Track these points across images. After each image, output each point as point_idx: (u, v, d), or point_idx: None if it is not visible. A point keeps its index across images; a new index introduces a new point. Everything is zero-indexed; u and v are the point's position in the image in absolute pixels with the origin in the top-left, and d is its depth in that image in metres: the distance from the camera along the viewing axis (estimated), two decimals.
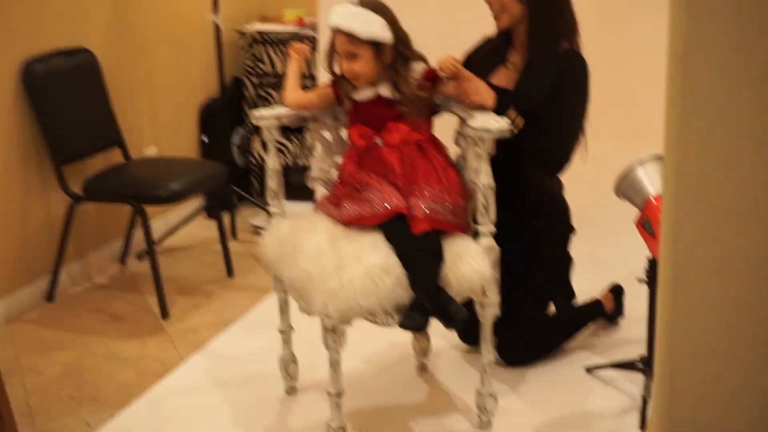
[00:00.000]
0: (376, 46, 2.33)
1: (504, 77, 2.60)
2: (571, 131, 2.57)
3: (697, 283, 0.97)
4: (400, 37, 2.37)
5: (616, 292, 3.01)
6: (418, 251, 2.21)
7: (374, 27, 2.32)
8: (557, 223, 2.79)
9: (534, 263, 2.72)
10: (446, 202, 2.31)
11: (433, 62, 2.42)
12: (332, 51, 2.42)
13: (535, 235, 2.71)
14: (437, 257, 2.22)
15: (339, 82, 2.46)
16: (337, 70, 2.45)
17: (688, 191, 0.98)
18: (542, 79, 2.53)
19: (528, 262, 2.69)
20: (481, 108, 2.39)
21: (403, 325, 2.18)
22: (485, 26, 2.67)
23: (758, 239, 0.99)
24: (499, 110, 2.38)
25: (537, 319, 2.78)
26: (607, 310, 2.96)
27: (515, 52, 2.63)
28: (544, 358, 2.80)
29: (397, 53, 2.37)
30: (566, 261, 2.85)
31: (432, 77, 2.42)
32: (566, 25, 2.56)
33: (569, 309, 2.93)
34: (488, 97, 2.39)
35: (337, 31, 2.35)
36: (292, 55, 2.56)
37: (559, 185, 2.79)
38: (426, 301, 2.16)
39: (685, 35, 0.98)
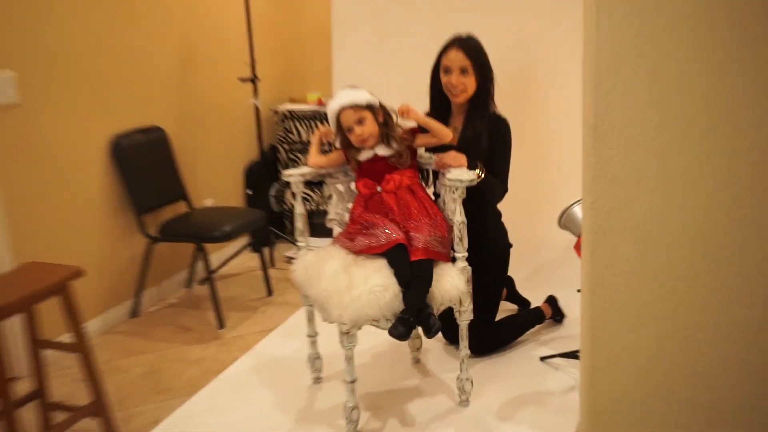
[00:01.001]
0: (371, 108, 2.39)
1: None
2: (506, 173, 2.65)
3: (609, 290, 1.00)
4: (378, 100, 2.45)
5: (551, 301, 3.02)
6: (414, 276, 2.21)
7: (365, 95, 2.40)
8: (500, 241, 2.79)
9: (483, 275, 2.68)
10: (438, 236, 2.32)
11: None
12: (339, 129, 2.45)
13: (484, 252, 2.68)
14: (427, 282, 2.23)
15: (347, 148, 2.50)
16: (345, 142, 2.48)
17: (601, 223, 1.01)
18: (481, 137, 2.58)
19: (480, 275, 2.63)
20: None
21: (391, 334, 2.16)
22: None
23: (654, 257, 1.02)
24: (470, 167, 2.42)
25: (489, 319, 2.75)
26: (547, 315, 2.96)
27: (454, 117, 2.68)
28: (503, 350, 2.79)
29: (383, 110, 2.43)
30: (506, 274, 2.83)
31: (411, 132, 2.48)
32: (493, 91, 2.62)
33: (521, 314, 2.94)
34: (463, 161, 2.43)
35: (342, 110, 2.39)
36: (317, 133, 2.60)
37: (498, 213, 2.81)
38: (411, 317, 2.16)
39: (595, 108, 1.01)
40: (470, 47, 2.57)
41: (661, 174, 1.02)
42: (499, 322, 2.82)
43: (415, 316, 2.17)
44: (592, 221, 0.99)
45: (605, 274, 1.00)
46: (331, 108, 2.43)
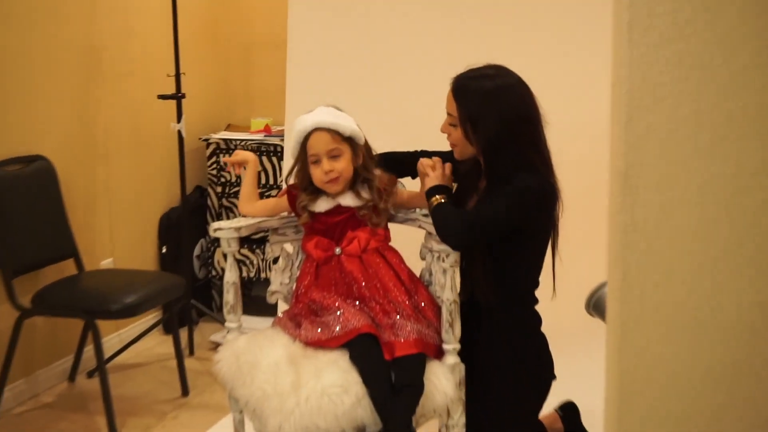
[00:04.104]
0: (352, 143, 2.42)
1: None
2: (482, 213, 2.37)
3: (641, 396, 1.01)
4: (365, 138, 2.48)
5: (567, 409, 2.82)
6: (403, 385, 2.21)
7: (351, 123, 2.43)
8: (541, 367, 2.56)
9: (510, 411, 2.53)
10: (429, 320, 2.34)
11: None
12: (301, 158, 2.45)
13: (502, 373, 2.50)
14: (419, 390, 2.21)
15: (297, 192, 2.51)
16: (302, 180, 2.48)
17: (632, 309, 1.02)
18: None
19: (504, 411, 2.51)
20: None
21: None
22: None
23: (703, 356, 1.03)
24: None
25: None
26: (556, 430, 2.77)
27: (482, 178, 2.54)
28: None
29: (366, 153, 2.46)
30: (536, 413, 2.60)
31: (391, 182, 2.53)
32: (523, 161, 2.40)
33: None
34: (438, 177, 2.44)
35: (316, 131, 2.40)
36: (230, 167, 2.64)
37: (536, 321, 2.57)
38: None
39: (626, 151, 1.03)
40: (462, 89, 2.41)
41: (707, 249, 1.04)
42: None
43: None
44: (620, 306, 1.00)
45: (636, 376, 1.00)
46: (302, 124, 2.43)
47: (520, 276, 2.50)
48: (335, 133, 2.39)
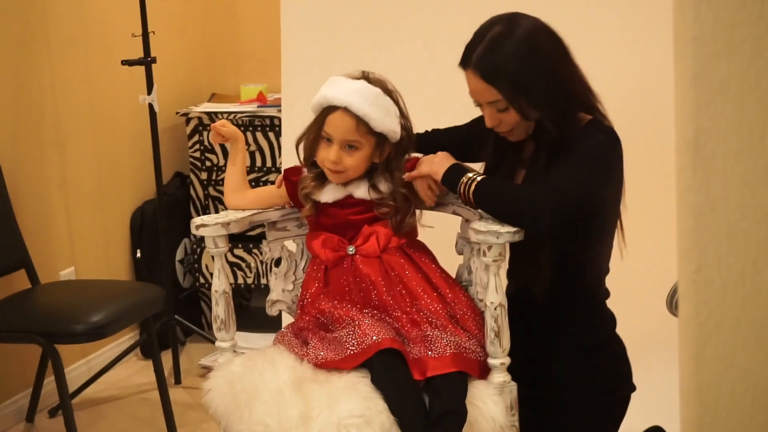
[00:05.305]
0: (381, 139, 2.42)
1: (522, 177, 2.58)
2: (570, 183, 2.38)
3: (724, 419, 1.01)
4: (408, 128, 2.48)
5: None
6: (441, 413, 2.21)
7: (391, 118, 2.42)
8: (615, 377, 2.59)
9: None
10: (469, 331, 2.35)
11: None
12: (319, 127, 2.44)
13: (568, 389, 2.54)
14: (461, 418, 2.21)
15: (297, 177, 2.52)
16: (308, 154, 2.49)
17: (710, 305, 1.02)
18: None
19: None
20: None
21: None
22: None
23: None
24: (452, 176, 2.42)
25: None
26: None
27: (525, 146, 2.57)
28: None
29: (396, 150, 2.46)
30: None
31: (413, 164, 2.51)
32: (584, 102, 2.50)
33: None
34: (438, 166, 2.43)
35: (343, 110, 2.39)
36: (214, 140, 2.66)
37: (610, 320, 2.61)
38: None
39: (696, 114, 1.04)
40: (491, 67, 2.42)
41: None
42: None
43: None
44: (695, 305, 1.00)
45: (718, 397, 1.00)
46: (332, 90, 2.43)
47: (590, 259, 2.53)
48: (363, 124, 2.39)
